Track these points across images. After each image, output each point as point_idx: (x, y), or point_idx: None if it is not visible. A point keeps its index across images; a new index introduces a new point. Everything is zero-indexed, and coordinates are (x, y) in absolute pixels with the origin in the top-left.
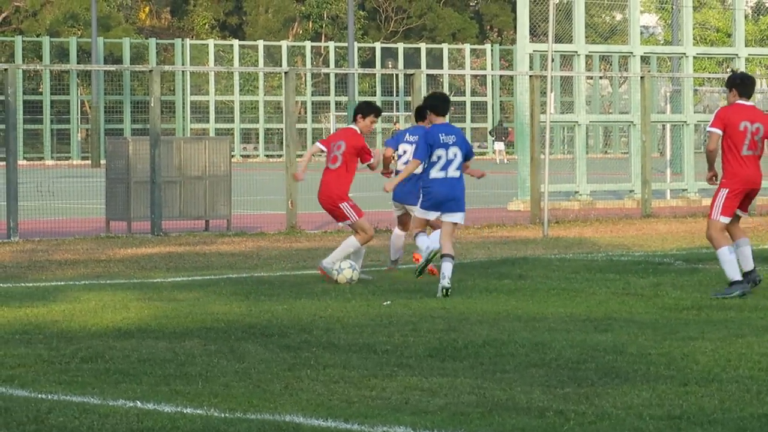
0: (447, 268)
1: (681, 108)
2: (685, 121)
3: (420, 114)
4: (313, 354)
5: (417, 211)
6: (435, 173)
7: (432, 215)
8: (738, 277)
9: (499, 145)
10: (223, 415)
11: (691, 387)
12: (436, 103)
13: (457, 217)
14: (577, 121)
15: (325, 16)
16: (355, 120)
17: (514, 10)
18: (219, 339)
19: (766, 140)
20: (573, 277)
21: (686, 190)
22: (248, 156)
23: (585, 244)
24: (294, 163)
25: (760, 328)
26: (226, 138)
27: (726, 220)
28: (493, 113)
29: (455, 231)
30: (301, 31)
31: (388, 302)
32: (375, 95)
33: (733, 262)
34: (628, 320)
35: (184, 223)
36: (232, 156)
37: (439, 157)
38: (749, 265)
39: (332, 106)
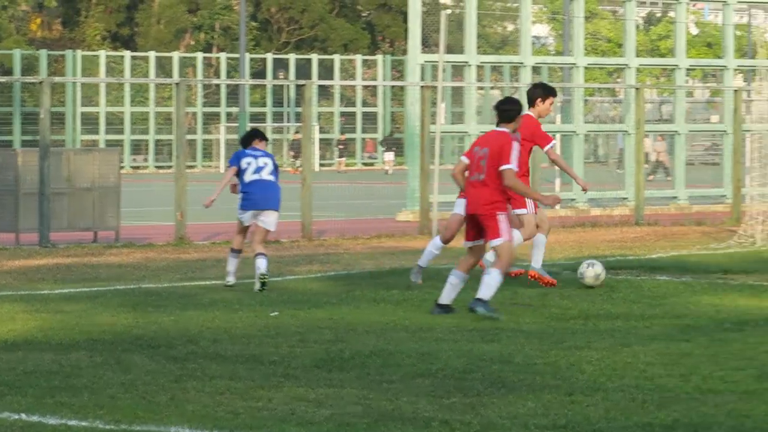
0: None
1: (571, 118)
2: (575, 132)
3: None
4: (199, 365)
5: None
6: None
7: (248, 217)
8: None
9: (389, 156)
10: (108, 427)
11: (577, 396)
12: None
13: (272, 219)
14: (467, 131)
15: (216, 27)
16: (533, 104)
17: (405, 21)
18: (105, 350)
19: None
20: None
21: (575, 200)
22: (138, 167)
23: None
24: (184, 174)
25: (646, 337)
26: (115, 149)
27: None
28: (384, 124)
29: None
30: (192, 42)
31: (276, 313)
32: (266, 106)
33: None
34: (515, 330)
35: (73, 235)
36: (122, 167)
37: (248, 164)
38: (447, 300)
39: (223, 117)
